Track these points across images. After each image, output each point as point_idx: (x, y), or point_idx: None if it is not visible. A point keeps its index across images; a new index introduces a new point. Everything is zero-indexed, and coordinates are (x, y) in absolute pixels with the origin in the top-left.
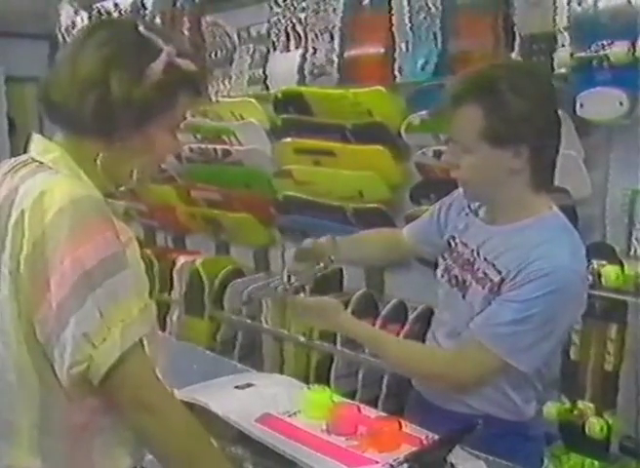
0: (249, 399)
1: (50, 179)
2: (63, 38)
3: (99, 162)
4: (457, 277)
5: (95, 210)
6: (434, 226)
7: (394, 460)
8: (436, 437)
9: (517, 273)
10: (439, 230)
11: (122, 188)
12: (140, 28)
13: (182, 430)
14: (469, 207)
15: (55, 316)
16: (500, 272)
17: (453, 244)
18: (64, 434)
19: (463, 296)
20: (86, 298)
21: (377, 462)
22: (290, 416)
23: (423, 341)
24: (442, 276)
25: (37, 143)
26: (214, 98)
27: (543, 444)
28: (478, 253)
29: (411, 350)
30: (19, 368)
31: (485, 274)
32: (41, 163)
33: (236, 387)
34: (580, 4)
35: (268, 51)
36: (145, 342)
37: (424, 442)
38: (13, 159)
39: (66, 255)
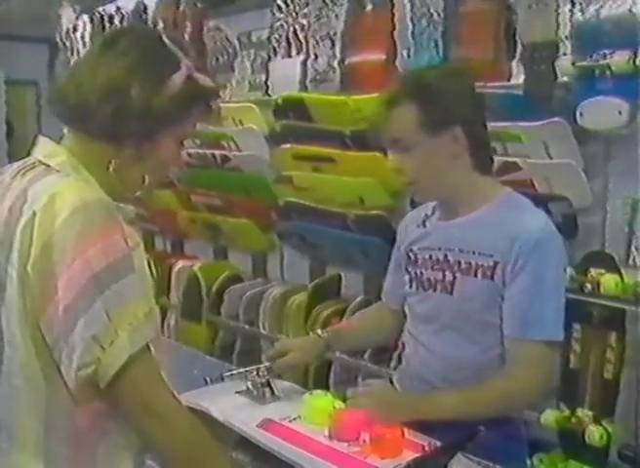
0: (249, 404)
1: (60, 182)
2: (63, 42)
3: (111, 168)
4: (429, 279)
5: (105, 213)
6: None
7: (396, 466)
8: (438, 444)
9: (511, 256)
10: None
11: (137, 194)
12: (164, 39)
13: (188, 435)
14: (425, 215)
15: (62, 318)
16: (490, 255)
17: (412, 255)
18: (69, 437)
19: (450, 292)
20: (94, 301)
21: None
22: (290, 422)
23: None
24: (410, 287)
25: (44, 146)
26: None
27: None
28: (449, 249)
29: (474, 396)
30: (25, 370)
31: (469, 264)
32: (48, 166)
33: (237, 392)
34: (582, 12)
35: (269, 57)
36: (152, 347)
37: (426, 448)
38: (20, 162)
39: (75, 258)
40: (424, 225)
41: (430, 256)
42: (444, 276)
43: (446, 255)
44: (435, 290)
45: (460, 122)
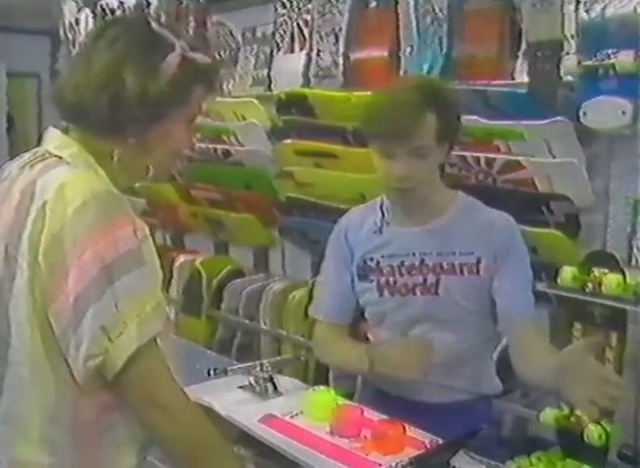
0: (252, 399)
1: (70, 173)
2: (66, 35)
3: (115, 158)
4: (406, 285)
5: (116, 205)
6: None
7: (398, 463)
8: (440, 440)
9: (491, 250)
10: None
11: (137, 185)
12: (152, 24)
13: (193, 428)
14: (375, 222)
15: (72, 308)
16: (471, 253)
17: (372, 264)
18: (74, 429)
19: (436, 292)
20: (104, 292)
21: (380, 465)
22: (292, 417)
23: None
24: (381, 295)
25: (54, 138)
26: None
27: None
28: (426, 254)
29: None
30: (32, 361)
31: (452, 264)
32: (59, 157)
33: (239, 387)
34: (587, 12)
35: (273, 52)
36: (159, 340)
37: (428, 445)
38: (28, 153)
39: (86, 249)
40: (381, 232)
41: (402, 263)
42: (425, 280)
43: (423, 260)
44: (415, 293)
45: (453, 137)
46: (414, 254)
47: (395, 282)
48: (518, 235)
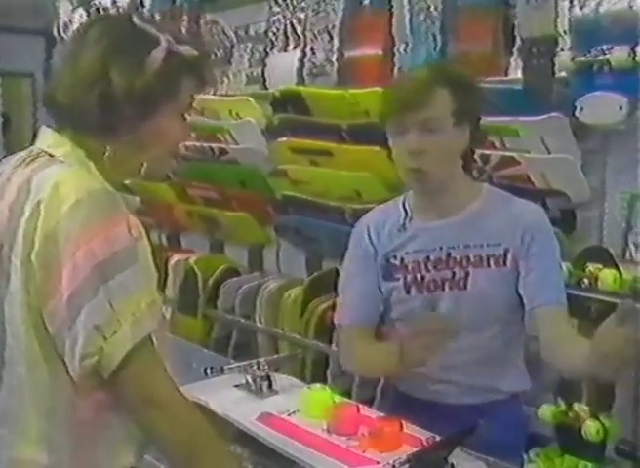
0: (248, 398)
1: (64, 171)
2: (60, 35)
3: (106, 156)
4: (435, 280)
5: (110, 203)
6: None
7: (395, 460)
8: (437, 438)
9: (518, 240)
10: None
11: (132, 183)
12: (134, 20)
13: (189, 426)
14: (398, 219)
15: (66, 307)
16: (499, 244)
17: (396, 262)
18: (71, 428)
19: (464, 287)
20: (97, 290)
21: (377, 462)
22: (289, 415)
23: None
24: (408, 292)
25: (48, 137)
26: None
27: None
28: (452, 247)
29: None
30: (28, 360)
31: (479, 256)
32: (52, 156)
33: (235, 386)
34: (581, 8)
35: (267, 50)
36: (154, 338)
37: (425, 442)
38: (23, 152)
39: (80, 247)
40: (404, 229)
41: (428, 258)
42: (453, 274)
43: (449, 254)
44: (444, 289)
45: (470, 120)
46: (440, 248)
47: (423, 278)
48: (547, 225)
